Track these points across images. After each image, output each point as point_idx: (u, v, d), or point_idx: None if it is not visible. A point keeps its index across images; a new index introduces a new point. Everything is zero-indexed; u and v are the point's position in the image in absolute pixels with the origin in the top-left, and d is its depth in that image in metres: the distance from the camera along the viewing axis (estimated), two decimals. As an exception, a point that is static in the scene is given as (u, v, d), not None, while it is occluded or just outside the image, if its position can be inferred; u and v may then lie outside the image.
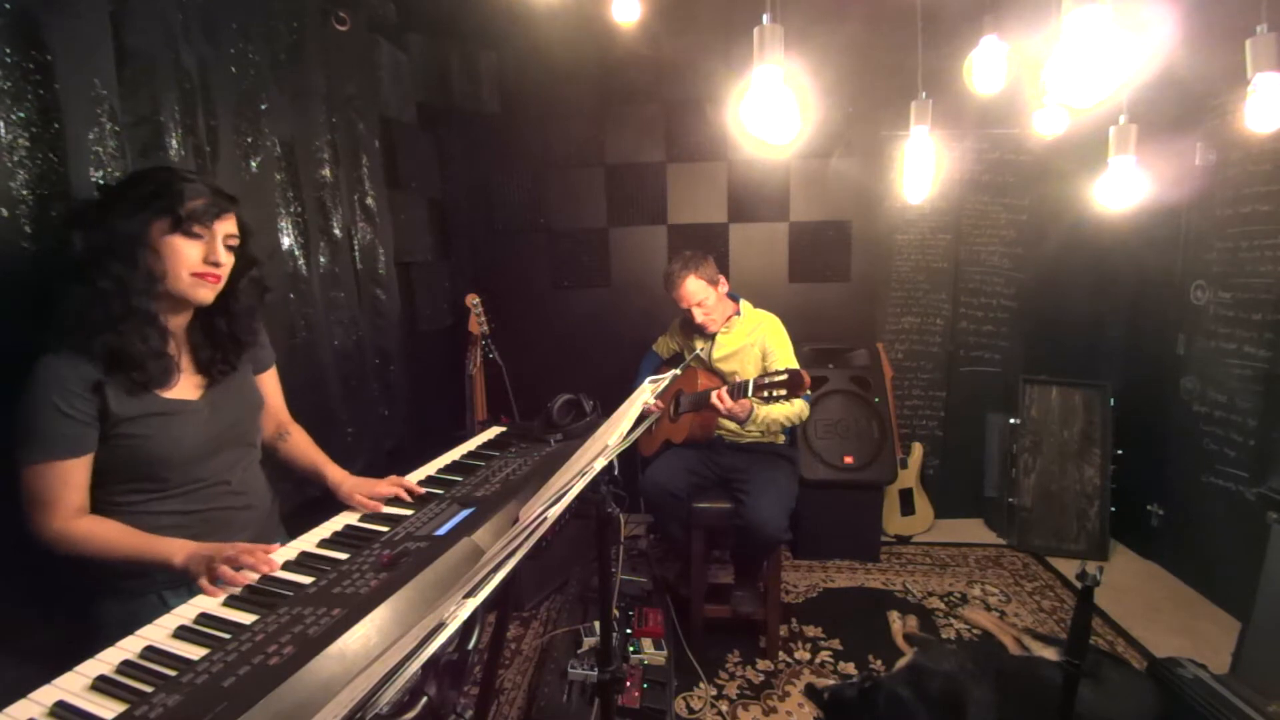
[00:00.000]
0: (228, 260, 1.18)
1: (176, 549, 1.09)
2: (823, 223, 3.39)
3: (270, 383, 1.46)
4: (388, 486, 1.40)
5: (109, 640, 0.90)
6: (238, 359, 1.30)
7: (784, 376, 2.00)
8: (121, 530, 1.12)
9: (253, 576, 1.05)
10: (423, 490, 1.42)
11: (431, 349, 3.12)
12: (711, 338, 2.56)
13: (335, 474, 1.46)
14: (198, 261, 1.13)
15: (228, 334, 1.27)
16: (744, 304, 2.59)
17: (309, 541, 1.21)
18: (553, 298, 3.54)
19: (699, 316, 2.47)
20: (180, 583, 1.18)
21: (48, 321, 1.09)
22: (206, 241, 1.14)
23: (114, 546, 1.10)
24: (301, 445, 1.51)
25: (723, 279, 2.54)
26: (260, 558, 1.08)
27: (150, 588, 1.18)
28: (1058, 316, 3.46)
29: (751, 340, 2.51)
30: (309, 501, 1.50)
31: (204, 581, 1.04)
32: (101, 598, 1.18)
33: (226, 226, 1.17)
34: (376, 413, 2.59)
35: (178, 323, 1.21)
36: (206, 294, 1.17)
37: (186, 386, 1.21)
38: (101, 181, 1.33)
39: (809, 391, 2.10)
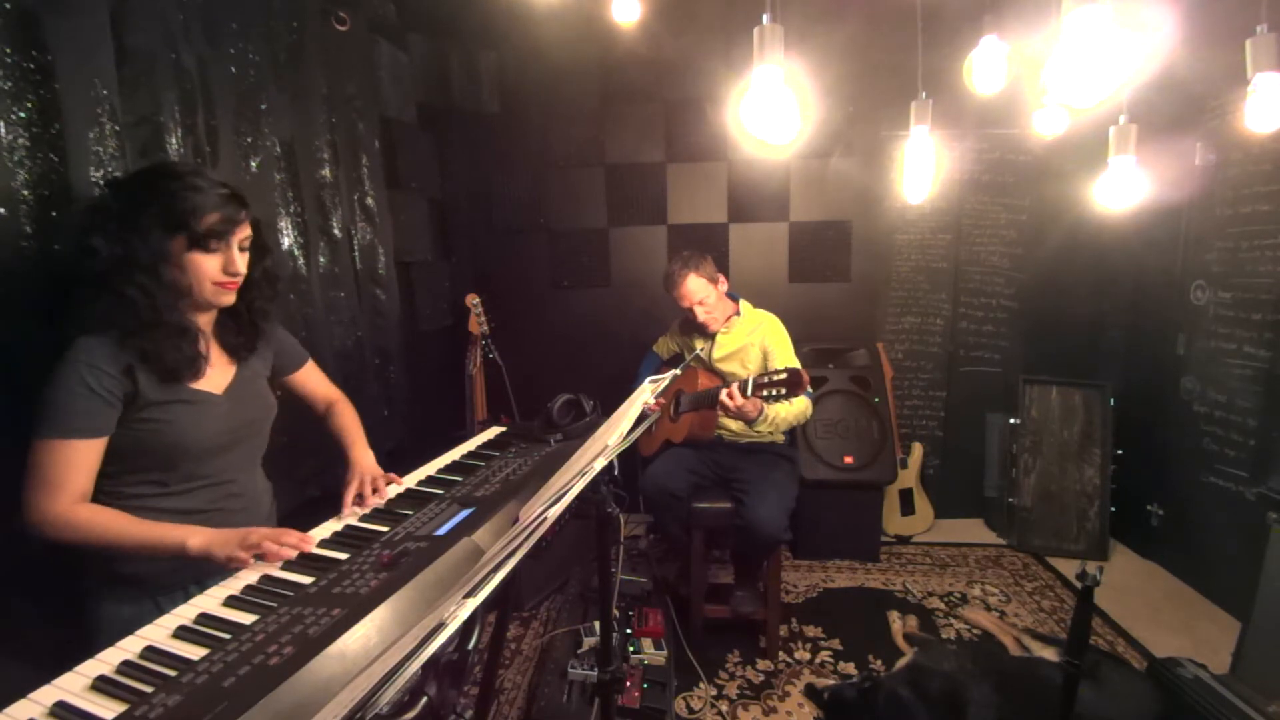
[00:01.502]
0: (244, 264, 1.20)
1: (190, 534, 1.09)
2: (823, 223, 3.39)
3: (311, 374, 1.51)
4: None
5: (105, 644, 0.89)
6: (258, 342, 1.34)
7: (783, 375, 2.00)
8: (126, 518, 1.11)
9: (292, 553, 1.07)
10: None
11: (431, 349, 3.12)
12: (712, 337, 2.56)
13: (356, 456, 1.45)
14: (218, 272, 1.16)
15: (248, 319, 1.30)
16: (744, 304, 2.59)
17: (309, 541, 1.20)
18: (553, 298, 3.54)
19: (701, 315, 2.47)
20: (177, 586, 1.18)
21: (62, 316, 1.11)
22: (223, 252, 1.16)
23: (118, 534, 1.09)
24: (339, 420, 1.52)
25: (722, 277, 2.54)
26: (299, 539, 1.09)
27: (146, 594, 1.17)
28: (1058, 316, 3.46)
29: (752, 340, 2.51)
30: (308, 502, 1.50)
31: (243, 555, 1.05)
32: (97, 602, 1.18)
33: (242, 231, 1.18)
34: (376, 413, 2.58)
35: (206, 321, 1.25)
36: (229, 299, 1.21)
37: (212, 379, 1.24)
38: (104, 183, 1.33)
39: (810, 389, 2.09)
